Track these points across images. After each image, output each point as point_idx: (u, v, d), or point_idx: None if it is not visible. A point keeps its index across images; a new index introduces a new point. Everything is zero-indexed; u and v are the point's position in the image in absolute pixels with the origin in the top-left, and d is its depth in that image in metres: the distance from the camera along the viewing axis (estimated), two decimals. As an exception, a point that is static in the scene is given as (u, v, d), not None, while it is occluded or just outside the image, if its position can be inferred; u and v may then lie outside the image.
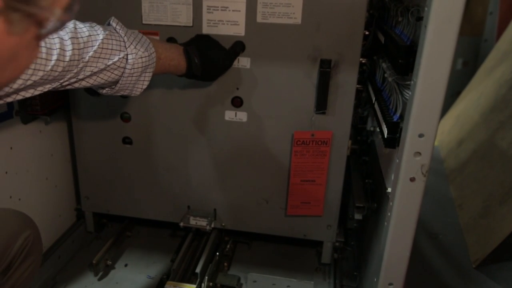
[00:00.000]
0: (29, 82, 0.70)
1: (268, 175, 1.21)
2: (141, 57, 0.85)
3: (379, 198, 1.06)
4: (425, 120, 0.73)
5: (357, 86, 1.10)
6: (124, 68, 0.84)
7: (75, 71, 0.76)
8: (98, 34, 0.80)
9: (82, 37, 0.77)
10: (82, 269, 1.29)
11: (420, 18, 0.81)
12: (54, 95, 1.19)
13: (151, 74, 0.90)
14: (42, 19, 0.41)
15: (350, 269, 1.33)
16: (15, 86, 0.69)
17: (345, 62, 1.05)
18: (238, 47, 1.10)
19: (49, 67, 0.71)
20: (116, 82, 0.85)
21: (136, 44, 0.85)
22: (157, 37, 1.08)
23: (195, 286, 1.14)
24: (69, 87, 0.81)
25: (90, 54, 0.78)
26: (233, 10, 1.06)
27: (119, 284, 1.25)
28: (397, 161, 0.79)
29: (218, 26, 1.08)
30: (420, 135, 0.74)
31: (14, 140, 1.12)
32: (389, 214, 0.83)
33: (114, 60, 0.81)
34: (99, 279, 1.26)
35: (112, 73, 0.83)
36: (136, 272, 1.30)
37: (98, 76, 0.82)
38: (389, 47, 0.97)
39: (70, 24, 0.77)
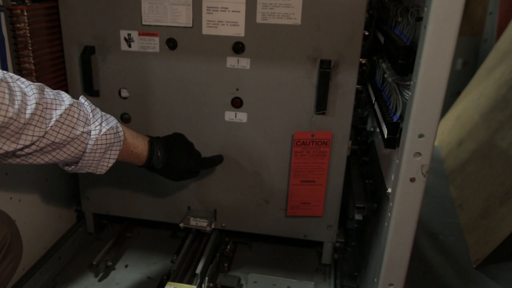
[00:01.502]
0: None
1: (268, 176, 1.21)
2: (105, 134, 0.83)
3: (379, 198, 1.06)
4: (425, 120, 0.73)
5: (357, 86, 1.10)
6: (87, 144, 0.82)
7: (37, 131, 0.74)
8: (64, 101, 0.79)
9: (47, 98, 0.76)
10: (82, 270, 1.29)
11: (419, 19, 0.81)
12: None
13: (117, 153, 0.87)
14: None
15: (350, 269, 1.33)
16: None
17: (345, 63, 1.06)
18: (218, 159, 1.15)
19: (10, 114, 0.68)
20: (79, 159, 0.83)
21: (102, 122, 0.83)
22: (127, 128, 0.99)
23: (195, 286, 1.14)
24: (30, 159, 0.78)
25: (55, 117, 0.76)
26: (232, 11, 1.06)
27: (119, 285, 1.25)
28: (397, 161, 0.79)
29: (217, 26, 1.08)
30: (420, 136, 0.74)
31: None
32: (389, 214, 0.83)
33: (77, 133, 0.79)
34: (100, 280, 1.26)
35: (75, 148, 0.80)
36: (136, 273, 1.30)
37: (61, 150, 0.79)
38: (389, 47, 0.97)
39: (37, 84, 0.76)
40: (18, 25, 1.05)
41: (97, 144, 0.82)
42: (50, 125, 0.75)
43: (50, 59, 1.16)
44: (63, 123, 0.77)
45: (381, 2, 1.23)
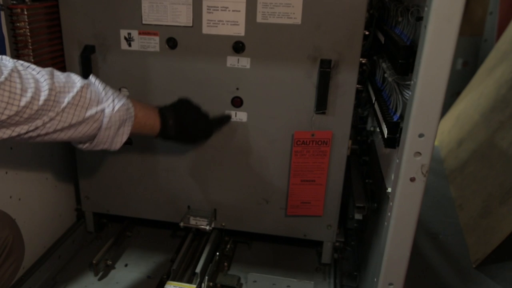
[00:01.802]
0: (3, 117, 0.70)
1: (268, 175, 1.21)
2: (119, 111, 0.85)
3: (379, 198, 1.06)
4: (425, 120, 0.73)
5: (357, 86, 1.10)
6: (102, 121, 0.84)
7: (51, 114, 0.76)
8: (76, 82, 0.81)
9: (59, 81, 0.77)
10: (82, 269, 1.29)
11: (420, 18, 0.81)
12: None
13: (129, 128, 0.90)
14: None
15: (350, 269, 1.33)
16: None
17: (345, 62, 1.05)
18: (225, 118, 1.15)
19: (23, 103, 0.71)
20: (94, 136, 0.85)
21: (114, 99, 0.85)
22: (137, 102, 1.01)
23: (195, 286, 1.14)
24: (47, 138, 0.80)
25: (68, 99, 0.78)
26: (233, 10, 1.06)
27: (119, 284, 1.25)
28: (397, 161, 0.79)
29: (218, 26, 1.08)
30: (420, 135, 0.74)
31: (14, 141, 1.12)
32: (389, 214, 0.83)
33: (91, 112, 0.82)
34: (99, 279, 1.26)
35: (90, 126, 0.83)
36: (136, 272, 1.30)
37: (76, 129, 0.81)
38: (389, 47, 0.97)
39: (47, 69, 0.78)
40: (18, 24, 1.05)
41: (111, 121, 0.85)
42: (64, 108, 0.78)
43: (50, 58, 1.16)
44: (77, 105, 0.79)
45: (382, 1, 1.23)
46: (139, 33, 1.12)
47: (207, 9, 1.07)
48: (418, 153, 0.76)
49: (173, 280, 1.17)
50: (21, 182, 1.15)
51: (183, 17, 1.09)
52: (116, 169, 1.30)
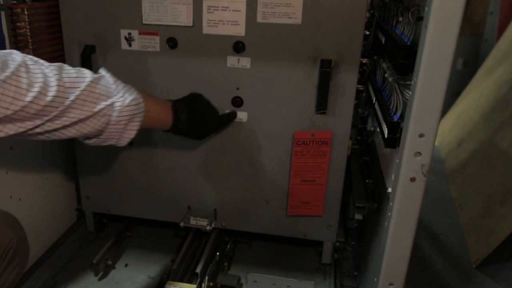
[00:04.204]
0: (9, 112, 0.69)
1: (268, 175, 1.21)
2: (129, 105, 0.83)
3: (380, 198, 1.06)
4: (426, 120, 0.73)
5: (358, 86, 1.10)
6: (110, 116, 0.82)
7: (60, 108, 0.75)
8: (85, 77, 0.79)
9: (68, 77, 0.76)
10: (82, 269, 1.29)
11: (420, 18, 0.81)
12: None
13: (139, 124, 0.87)
14: None
15: (350, 269, 1.33)
16: None
17: (346, 62, 1.05)
18: (232, 115, 1.14)
19: (29, 98, 0.70)
20: (102, 131, 0.83)
21: (124, 93, 0.83)
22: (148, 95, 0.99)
23: (195, 286, 1.14)
24: (54, 135, 0.79)
25: (77, 94, 0.76)
26: (233, 10, 1.06)
27: (119, 284, 1.25)
28: (398, 161, 0.79)
29: (218, 26, 1.08)
30: (421, 135, 0.74)
31: (14, 140, 1.12)
32: (389, 214, 0.83)
33: (100, 107, 0.80)
34: (100, 279, 1.26)
35: (98, 120, 0.81)
36: (136, 272, 1.30)
37: (84, 123, 0.80)
38: (390, 47, 0.97)
39: (57, 64, 0.77)
40: (18, 24, 1.05)
41: (121, 116, 0.83)
42: (72, 103, 0.76)
43: (51, 58, 1.16)
44: (85, 100, 0.78)
45: (382, 1, 1.23)
46: (140, 33, 1.12)
47: (208, 9, 1.07)
48: (418, 153, 0.76)
49: (173, 280, 1.17)
50: (21, 182, 1.15)
51: (184, 17, 1.09)
52: (117, 169, 1.30)
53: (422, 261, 1.52)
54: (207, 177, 1.25)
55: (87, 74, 0.80)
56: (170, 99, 1.02)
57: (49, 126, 0.76)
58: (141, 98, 0.87)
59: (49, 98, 0.73)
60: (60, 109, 0.75)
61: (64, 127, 0.78)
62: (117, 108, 0.82)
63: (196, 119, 1.03)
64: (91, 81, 0.79)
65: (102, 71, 0.85)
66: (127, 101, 0.83)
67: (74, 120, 0.78)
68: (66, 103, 0.75)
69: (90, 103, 0.79)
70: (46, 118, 0.74)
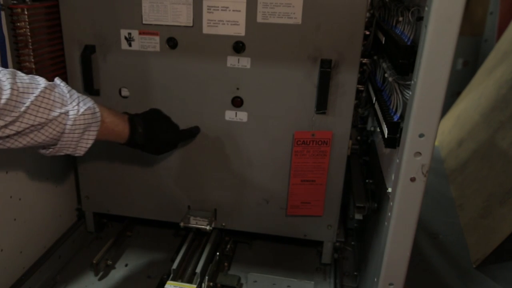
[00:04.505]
0: None
1: (269, 175, 1.21)
2: (83, 114, 0.84)
3: (380, 198, 1.06)
4: (426, 120, 0.73)
5: (358, 86, 1.10)
6: (65, 124, 0.82)
7: (14, 113, 0.74)
8: (39, 84, 0.79)
9: (22, 82, 0.76)
10: (82, 269, 1.29)
11: (420, 18, 0.81)
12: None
13: (95, 133, 0.88)
14: None
15: (350, 269, 1.33)
16: None
17: (346, 62, 1.06)
18: (195, 130, 1.17)
19: None
20: (57, 140, 0.84)
21: (79, 102, 0.84)
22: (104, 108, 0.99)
23: (195, 286, 1.14)
24: (8, 142, 0.78)
25: (31, 99, 0.76)
26: (233, 10, 1.06)
27: (119, 284, 1.24)
28: (398, 161, 0.79)
29: (218, 26, 1.08)
30: (421, 135, 0.74)
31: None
32: (389, 214, 0.83)
33: (55, 115, 0.80)
34: (100, 279, 1.26)
35: (53, 129, 0.81)
36: (136, 272, 1.30)
37: (39, 132, 0.80)
38: (390, 47, 0.97)
39: (10, 70, 0.77)
40: (18, 24, 1.05)
41: (75, 125, 0.83)
42: (26, 108, 0.76)
43: (51, 58, 1.16)
44: (39, 106, 0.78)
45: (382, 1, 1.23)
46: (140, 33, 1.12)
47: (208, 9, 1.07)
48: (419, 153, 0.76)
49: (173, 280, 1.17)
50: (21, 182, 1.15)
51: (184, 17, 1.09)
52: (117, 169, 1.29)
53: (422, 261, 1.52)
54: (207, 177, 1.25)
55: (41, 81, 0.80)
56: (128, 112, 1.03)
57: (2, 132, 0.76)
58: (97, 108, 0.87)
59: (3, 101, 0.72)
60: (14, 114, 0.74)
61: (18, 133, 0.78)
62: (71, 116, 0.82)
63: (153, 133, 1.04)
64: (46, 88, 0.79)
65: (57, 80, 0.86)
66: (81, 110, 0.83)
67: (28, 125, 0.77)
68: (21, 108, 0.75)
69: (45, 109, 0.79)
70: (0, 123, 0.74)
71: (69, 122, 0.82)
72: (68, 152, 0.88)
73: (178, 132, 1.14)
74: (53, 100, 0.80)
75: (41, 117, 0.78)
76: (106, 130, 0.92)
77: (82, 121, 0.84)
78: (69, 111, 0.82)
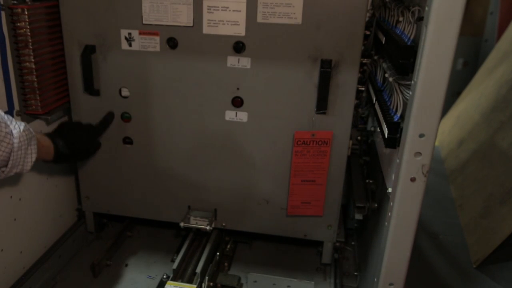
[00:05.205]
0: None
1: (269, 175, 1.21)
2: (24, 131, 0.90)
3: (380, 198, 1.06)
4: (426, 120, 0.73)
5: (358, 86, 1.10)
6: (13, 144, 0.87)
7: None
8: None
9: None
10: (82, 269, 1.29)
11: (420, 18, 0.81)
12: (55, 95, 1.19)
13: (35, 147, 0.94)
14: None
15: (350, 269, 1.33)
16: None
17: (346, 62, 1.05)
18: (109, 116, 1.21)
19: None
20: (7, 161, 0.88)
21: (15, 122, 0.90)
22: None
23: (195, 286, 1.14)
24: None
25: None
26: (233, 10, 1.06)
27: (119, 284, 1.25)
28: (398, 161, 0.79)
29: (218, 26, 1.08)
30: (421, 135, 0.74)
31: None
32: (389, 214, 0.83)
33: (2, 134, 0.85)
34: (100, 279, 1.26)
35: (3, 151, 0.86)
36: (136, 272, 1.30)
37: None
38: (390, 47, 0.97)
39: None
40: (18, 24, 1.05)
41: (21, 142, 0.89)
42: None
43: (51, 58, 1.16)
44: None
45: (382, 1, 1.23)
46: (140, 33, 1.12)
47: (208, 9, 1.07)
48: (419, 153, 0.76)
49: (174, 280, 1.17)
50: (21, 182, 1.15)
51: (184, 17, 1.09)
52: (117, 169, 1.29)
53: (422, 261, 1.52)
54: (207, 177, 1.25)
55: None
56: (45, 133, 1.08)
57: None
58: (27, 125, 0.93)
59: None
60: None
61: None
62: (15, 135, 0.88)
63: (72, 138, 1.10)
64: None
65: None
66: (22, 127, 0.89)
67: None
68: None
69: None
70: None
71: (16, 141, 0.88)
72: (18, 170, 0.92)
73: (92, 127, 1.20)
74: None
75: None
76: (39, 144, 0.97)
77: (25, 137, 0.90)
78: (12, 131, 0.88)
